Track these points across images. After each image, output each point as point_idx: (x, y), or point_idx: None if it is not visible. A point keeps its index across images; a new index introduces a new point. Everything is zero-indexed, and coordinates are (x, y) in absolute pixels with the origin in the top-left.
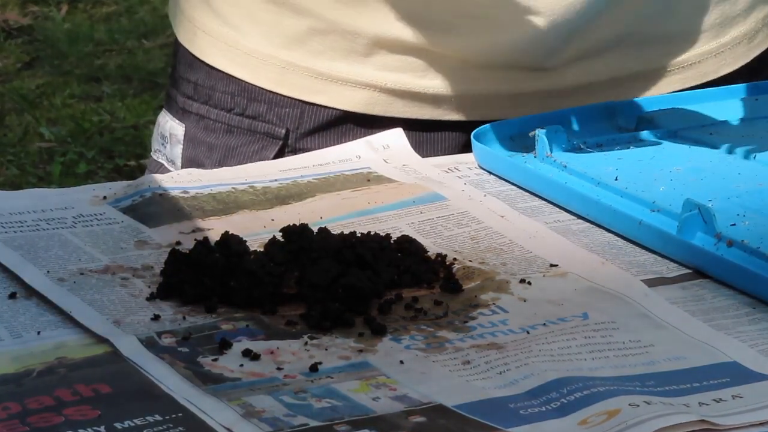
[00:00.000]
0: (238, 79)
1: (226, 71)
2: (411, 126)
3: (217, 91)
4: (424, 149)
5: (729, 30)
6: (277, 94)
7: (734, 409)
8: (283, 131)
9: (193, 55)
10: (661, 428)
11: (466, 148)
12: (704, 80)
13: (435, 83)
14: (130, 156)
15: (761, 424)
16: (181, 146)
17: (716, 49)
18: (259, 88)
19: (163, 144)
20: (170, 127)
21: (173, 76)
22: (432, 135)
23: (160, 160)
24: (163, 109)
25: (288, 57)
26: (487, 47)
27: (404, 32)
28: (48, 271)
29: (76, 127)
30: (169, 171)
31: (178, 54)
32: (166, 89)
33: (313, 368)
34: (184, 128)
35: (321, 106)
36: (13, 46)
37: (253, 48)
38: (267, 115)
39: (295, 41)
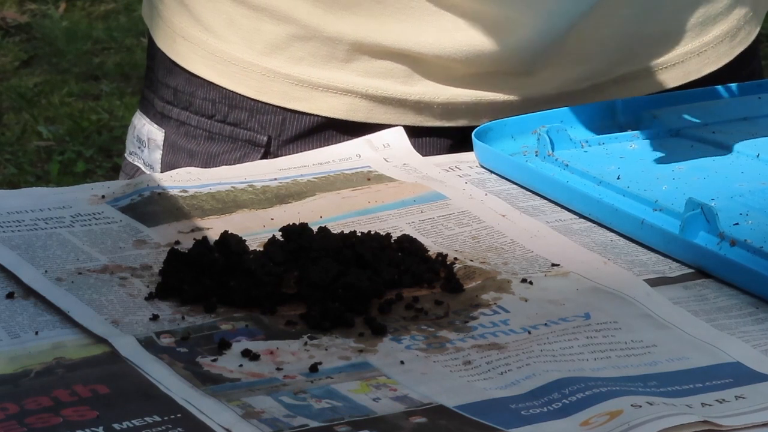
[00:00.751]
0: (219, 86)
1: (206, 78)
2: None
3: (197, 98)
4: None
5: (711, 29)
6: (258, 101)
7: (737, 409)
8: (265, 138)
9: (172, 61)
10: (663, 429)
11: (453, 149)
12: (687, 80)
13: (417, 90)
14: None
15: (765, 424)
16: (161, 151)
17: (699, 48)
18: (240, 95)
19: (140, 147)
20: (148, 131)
21: (150, 78)
22: (418, 140)
23: (136, 163)
24: (138, 111)
25: (268, 64)
26: (471, 52)
27: (385, 38)
28: (46, 271)
29: (75, 126)
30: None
31: (156, 57)
32: (141, 90)
33: (313, 368)
34: (163, 133)
35: (302, 113)
36: (11, 44)
37: (234, 55)
38: (248, 123)
39: (276, 48)
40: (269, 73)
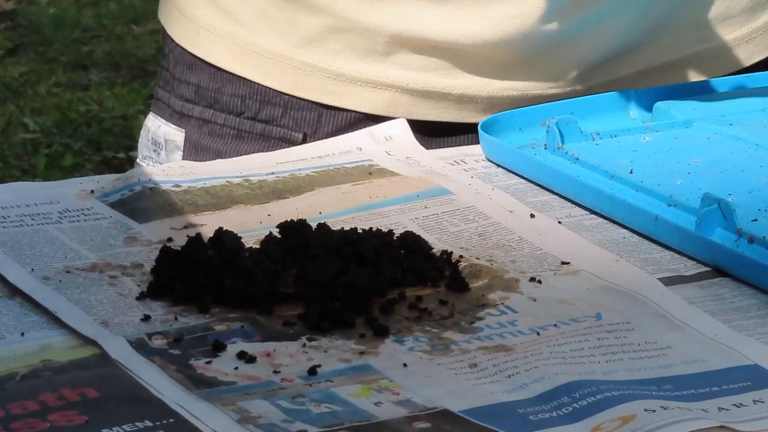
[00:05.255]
0: (250, 81)
1: (235, 72)
2: (433, 132)
3: (224, 94)
4: None
5: (760, 14)
6: (293, 96)
7: (756, 414)
8: (300, 136)
9: (195, 56)
10: None
11: None
12: (737, 68)
13: (460, 82)
14: (118, 148)
15: None
16: (181, 153)
17: (747, 35)
18: (273, 90)
19: (155, 150)
20: (165, 132)
21: (164, 77)
22: (454, 139)
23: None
24: (151, 113)
25: (304, 57)
26: (516, 40)
27: (427, 28)
28: (32, 269)
29: (62, 117)
30: None
31: (171, 54)
32: (153, 92)
33: (312, 371)
34: (183, 134)
35: (340, 108)
36: None
37: (267, 48)
38: (282, 120)
39: (311, 40)
40: (305, 66)
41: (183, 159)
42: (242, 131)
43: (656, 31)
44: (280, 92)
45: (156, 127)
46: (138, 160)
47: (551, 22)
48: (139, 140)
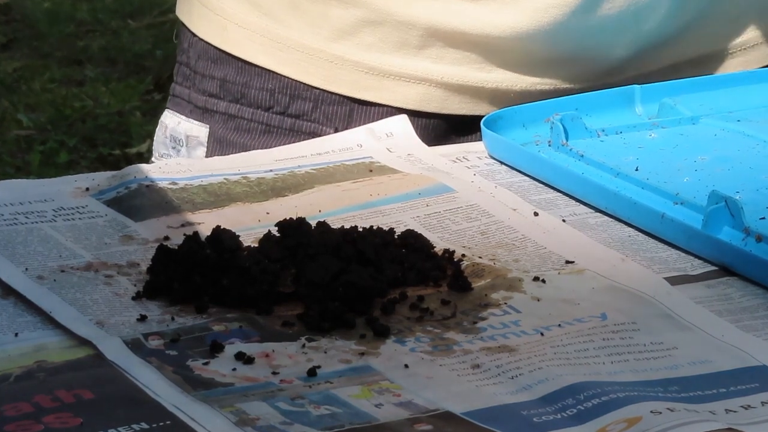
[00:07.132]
0: (279, 75)
1: (264, 66)
2: (465, 128)
3: (252, 88)
4: None
5: None
6: (324, 90)
7: (764, 416)
8: (332, 131)
9: (220, 50)
10: None
11: None
12: (767, 62)
13: (494, 77)
14: (114, 144)
15: None
16: (204, 148)
17: None
18: (304, 84)
19: (174, 147)
20: (186, 128)
21: (183, 73)
22: (472, 137)
23: None
24: (168, 110)
25: (336, 51)
26: (551, 31)
27: (461, 21)
28: (26, 269)
29: (57, 114)
30: None
31: (192, 50)
32: (171, 89)
33: (312, 372)
34: (207, 129)
35: (372, 103)
36: None
37: (298, 41)
38: (313, 114)
39: (344, 33)
40: (337, 60)
41: (207, 155)
42: (271, 126)
43: (691, 24)
44: (311, 86)
45: (175, 124)
46: (154, 158)
47: (587, 13)
48: (155, 139)
